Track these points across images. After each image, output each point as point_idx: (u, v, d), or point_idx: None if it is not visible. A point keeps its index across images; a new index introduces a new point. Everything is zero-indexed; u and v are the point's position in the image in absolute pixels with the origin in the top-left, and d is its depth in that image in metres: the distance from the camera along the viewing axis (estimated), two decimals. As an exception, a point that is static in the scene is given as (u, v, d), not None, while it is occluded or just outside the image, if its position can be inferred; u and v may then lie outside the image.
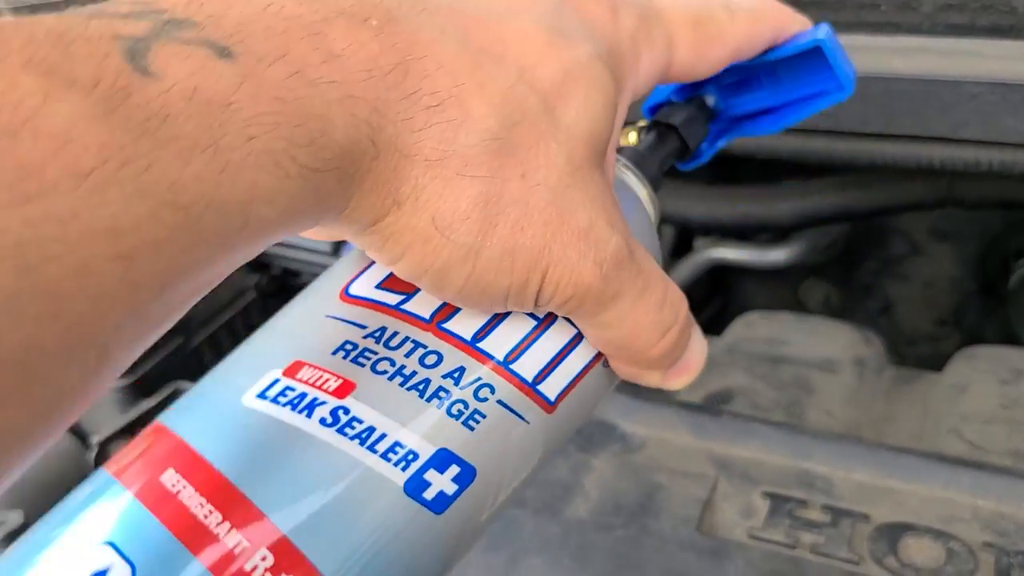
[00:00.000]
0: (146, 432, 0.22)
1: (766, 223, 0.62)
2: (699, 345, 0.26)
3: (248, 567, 0.18)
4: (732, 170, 0.69)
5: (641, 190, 0.29)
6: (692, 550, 0.43)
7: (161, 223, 0.14)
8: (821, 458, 0.46)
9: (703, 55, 0.27)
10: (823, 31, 0.30)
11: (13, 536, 0.51)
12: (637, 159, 0.30)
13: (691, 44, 0.27)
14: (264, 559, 0.18)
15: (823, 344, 0.57)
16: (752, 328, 0.63)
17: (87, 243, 0.13)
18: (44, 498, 0.58)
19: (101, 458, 0.56)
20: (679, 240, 0.75)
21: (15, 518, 0.52)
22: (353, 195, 0.19)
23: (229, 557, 0.18)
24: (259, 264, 0.73)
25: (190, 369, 0.65)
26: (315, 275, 0.82)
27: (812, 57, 0.30)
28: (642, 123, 0.34)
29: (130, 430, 0.57)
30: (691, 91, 0.34)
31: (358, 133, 0.18)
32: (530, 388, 0.23)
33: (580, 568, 0.43)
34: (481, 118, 0.20)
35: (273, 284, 0.73)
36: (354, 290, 0.24)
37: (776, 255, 0.68)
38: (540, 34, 0.22)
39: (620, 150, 0.31)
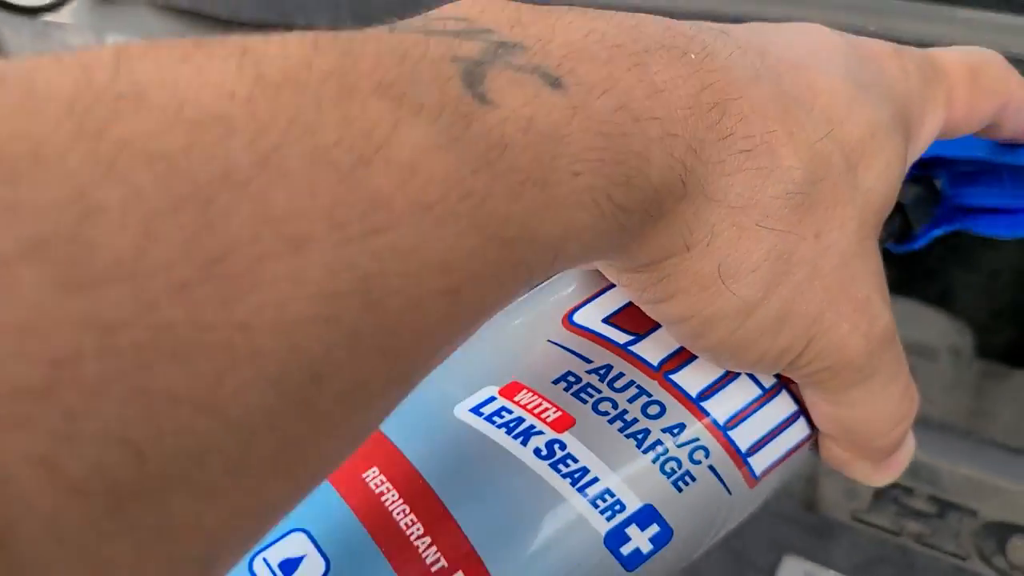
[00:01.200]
0: None
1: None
2: (912, 442, 0.25)
3: None
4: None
5: None
6: (796, 525, 0.45)
7: (485, 258, 0.14)
8: (927, 448, 0.42)
9: (974, 110, 0.25)
10: None
11: None
12: None
13: (966, 100, 0.24)
14: None
15: (920, 330, 0.48)
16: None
17: (423, 277, 0.13)
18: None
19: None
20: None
21: None
22: (646, 234, 0.18)
23: (425, 574, 0.18)
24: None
25: None
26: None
27: None
28: None
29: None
30: (919, 169, 0.30)
31: (672, 174, 0.17)
32: (741, 459, 0.22)
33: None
34: (788, 169, 0.19)
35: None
36: (579, 319, 0.23)
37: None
38: (847, 88, 0.21)
39: None
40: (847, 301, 0.20)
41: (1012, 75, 0.25)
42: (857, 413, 0.22)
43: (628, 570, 0.20)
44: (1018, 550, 0.39)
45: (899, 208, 0.29)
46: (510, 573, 0.19)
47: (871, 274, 0.21)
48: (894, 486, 0.43)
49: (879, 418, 0.22)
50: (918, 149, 0.24)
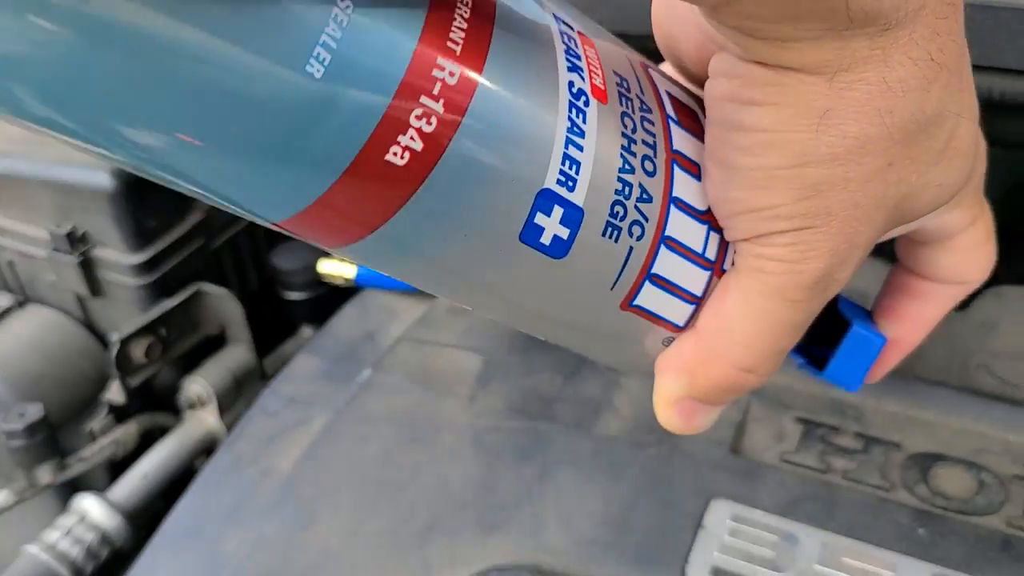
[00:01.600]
0: None
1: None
2: (714, 416, 0.26)
3: (436, 75, 0.18)
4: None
5: None
6: (724, 470, 0.44)
7: None
8: None
9: (970, 259, 0.28)
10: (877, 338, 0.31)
11: (34, 428, 0.53)
12: None
13: (979, 241, 0.28)
14: (452, 75, 0.18)
15: (855, 278, 0.55)
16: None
17: None
18: (63, 394, 0.59)
19: (122, 355, 0.56)
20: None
21: (35, 411, 0.52)
22: (824, 39, 0.19)
23: (442, 43, 0.18)
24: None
25: (211, 270, 0.63)
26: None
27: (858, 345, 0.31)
28: None
29: (150, 329, 0.56)
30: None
31: None
32: (644, 275, 0.23)
33: (613, 482, 0.44)
34: (929, 101, 0.20)
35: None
36: (652, 73, 0.24)
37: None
38: (977, 108, 0.24)
39: None
40: (852, 229, 0.22)
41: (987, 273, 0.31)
42: (747, 322, 0.23)
43: (520, 236, 0.21)
44: (939, 477, 0.41)
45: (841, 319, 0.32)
46: (476, 124, 0.19)
47: (870, 239, 0.23)
48: (820, 425, 0.45)
49: (753, 345, 0.23)
50: (936, 221, 0.27)
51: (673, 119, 0.24)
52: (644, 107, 0.23)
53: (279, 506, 0.47)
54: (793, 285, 0.22)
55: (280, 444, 0.52)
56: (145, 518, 0.55)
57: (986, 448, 0.43)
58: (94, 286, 0.58)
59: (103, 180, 0.54)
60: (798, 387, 0.47)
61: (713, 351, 0.24)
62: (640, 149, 0.22)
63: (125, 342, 0.54)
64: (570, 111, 0.20)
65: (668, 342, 0.25)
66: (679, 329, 0.25)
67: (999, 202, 0.69)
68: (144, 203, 0.56)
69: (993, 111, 0.52)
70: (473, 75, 0.19)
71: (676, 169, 0.23)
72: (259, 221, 0.20)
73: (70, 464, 0.56)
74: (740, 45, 0.20)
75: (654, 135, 0.23)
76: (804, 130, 0.20)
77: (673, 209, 0.23)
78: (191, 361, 0.60)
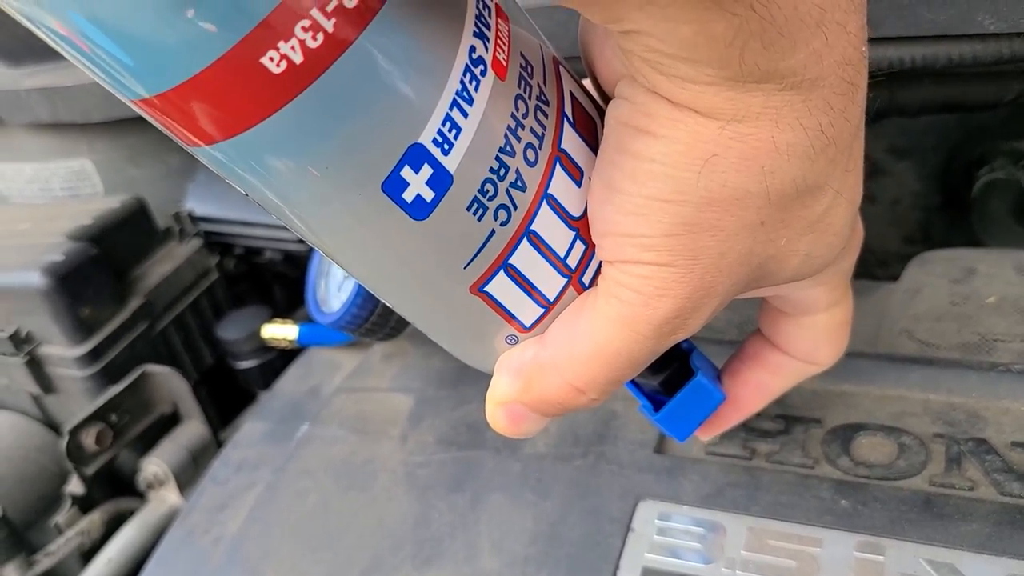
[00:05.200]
0: None
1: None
2: (541, 426, 0.27)
3: None
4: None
5: None
6: (649, 471, 0.44)
7: None
8: None
9: (821, 341, 0.31)
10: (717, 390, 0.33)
11: None
12: None
13: (833, 326, 0.31)
14: None
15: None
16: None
17: None
18: (27, 492, 0.60)
19: (73, 445, 0.57)
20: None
21: None
22: (721, 85, 0.19)
23: None
24: (222, 245, 0.70)
25: (158, 352, 0.64)
26: (279, 252, 0.78)
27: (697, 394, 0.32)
28: None
29: (99, 416, 0.57)
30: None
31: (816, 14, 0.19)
32: (500, 263, 0.23)
33: (541, 499, 0.44)
34: (812, 172, 0.21)
35: (236, 263, 0.71)
36: (562, 71, 0.24)
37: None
38: (858, 192, 0.25)
39: None
40: (712, 278, 0.22)
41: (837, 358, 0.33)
42: (591, 345, 0.24)
43: (382, 186, 0.20)
44: (861, 447, 0.41)
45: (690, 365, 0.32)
46: (381, 37, 0.18)
47: (726, 293, 0.23)
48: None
49: (592, 368, 0.24)
50: (799, 293, 0.28)
51: (569, 119, 0.23)
52: (542, 97, 0.22)
53: (226, 570, 0.47)
54: (643, 319, 0.22)
55: (230, 510, 0.52)
56: (114, 602, 0.55)
57: (906, 411, 0.42)
58: (44, 383, 0.60)
59: (35, 279, 0.56)
60: (719, 378, 0.47)
61: (553, 364, 0.24)
62: (526, 136, 0.22)
63: (74, 432, 0.56)
64: (464, 74, 0.20)
65: (513, 341, 0.25)
66: (525, 331, 0.25)
67: (938, 176, 0.69)
68: (79, 296, 0.58)
69: (887, 86, 0.53)
70: (374, 4, 0.18)
71: (558, 167, 0.23)
72: (124, 96, 0.19)
73: (38, 560, 0.56)
74: (645, 76, 0.20)
75: (544, 127, 0.22)
76: (688, 169, 0.20)
77: (545, 205, 0.23)
78: (148, 442, 0.61)
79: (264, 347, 0.64)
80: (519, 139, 0.21)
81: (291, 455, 0.52)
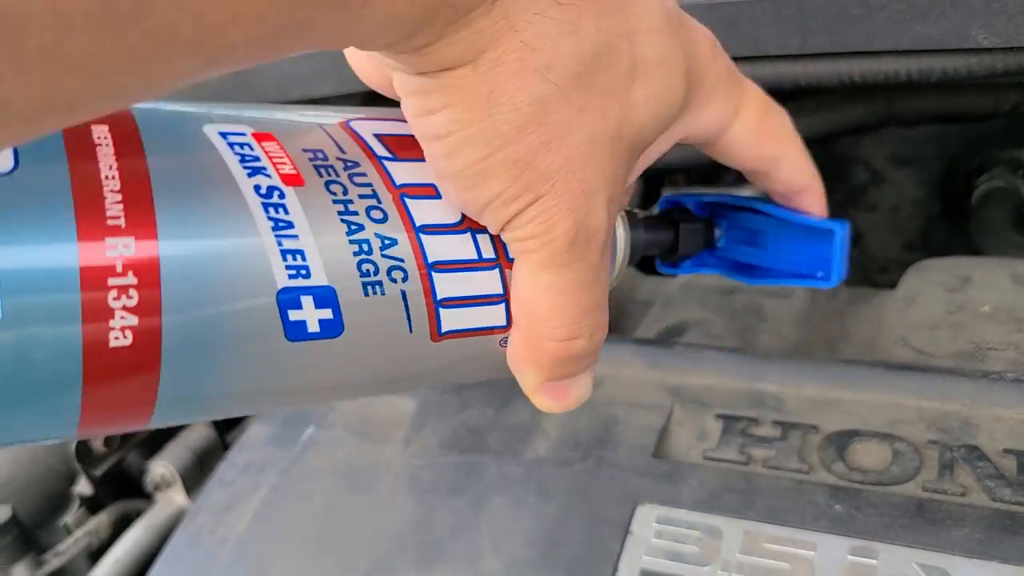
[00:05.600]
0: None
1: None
2: (587, 383, 0.27)
3: (110, 255, 0.18)
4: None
5: (621, 231, 0.30)
6: (648, 475, 0.44)
7: None
8: (771, 378, 0.46)
9: (756, 143, 0.28)
10: (842, 225, 0.32)
11: (3, 530, 0.54)
12: (634, 220, 0.32)
13: (753, 125, 0.28)
14: (127, 247, 0.18)
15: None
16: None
17: None
18: (35, 492, 0.61)
19: (81, 447, 0.57)
20: (647, 188, 0.75)
21: (2, 513, 0.53)
22: (447, 35, 0.19)
23: (100, 222, 0.18)
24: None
25: None
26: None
27: (821, 241, 0.33)
28: (654, 211, 0.36)
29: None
30: (707, 213, 0.36)
31: None
32: (434, 305, 0.23)
33: (542, 502, 0.45)
34: (584, 39, 0.21)
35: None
36: (354, 125, 0.25)
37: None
38: (659, 15, 0.23)
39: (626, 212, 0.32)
40: (578, 182, 0.22)
41: (796, 136, 0.30)
42: (542, 300, 0.23)
43: (287, 338, 0.21)
44: (856, 453, 0.42)
45: (675, 228, 0.35)
46: (177, 273, 0.19)
47: (609, 176, 0.22)
48: (740, 419, 0.45)
49: (558, 316, 0.23)
50: (694, 127, 0.26)
51: (387, 158, 0.24)
52: (349, 164, 0.23)
53: (232, 571, 0.48)
54: (554, 253, 0.23)
55: (236, 512, 0.53)
56: (121, 603, 0.56)
57: (900, 418, 0.43)
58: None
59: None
60: (718, 384, 0.48)
61: (533, 336, 0.24)
62: (359, 205, 0.22)
63: (83, 434, 0.57)
64: (267, 211, 0.20)
65: (505, 342, 0.26)
66: (507, 329, 0.25)
67: (938, 184, 0.70)
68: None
69: (884, 96, 0.54)
70: (147, 233, 0.18)
71: (408, 201, 0.23)
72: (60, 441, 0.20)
73: (47, 560, 0.57)
74: (399, 62, 0.21)
75: (371, 184, 0.23)
76: (480, 118, 0.20)
77: (425, 237, 0.23)
78: (155, 444, 0.62)
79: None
80: (355, 212, 0.22)
81: (296, 458, 0.53)
